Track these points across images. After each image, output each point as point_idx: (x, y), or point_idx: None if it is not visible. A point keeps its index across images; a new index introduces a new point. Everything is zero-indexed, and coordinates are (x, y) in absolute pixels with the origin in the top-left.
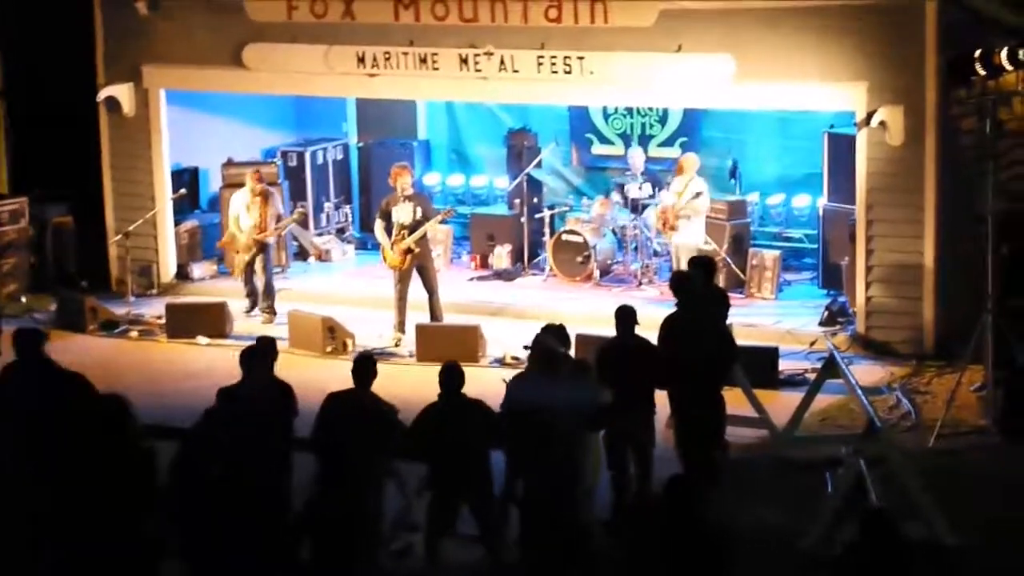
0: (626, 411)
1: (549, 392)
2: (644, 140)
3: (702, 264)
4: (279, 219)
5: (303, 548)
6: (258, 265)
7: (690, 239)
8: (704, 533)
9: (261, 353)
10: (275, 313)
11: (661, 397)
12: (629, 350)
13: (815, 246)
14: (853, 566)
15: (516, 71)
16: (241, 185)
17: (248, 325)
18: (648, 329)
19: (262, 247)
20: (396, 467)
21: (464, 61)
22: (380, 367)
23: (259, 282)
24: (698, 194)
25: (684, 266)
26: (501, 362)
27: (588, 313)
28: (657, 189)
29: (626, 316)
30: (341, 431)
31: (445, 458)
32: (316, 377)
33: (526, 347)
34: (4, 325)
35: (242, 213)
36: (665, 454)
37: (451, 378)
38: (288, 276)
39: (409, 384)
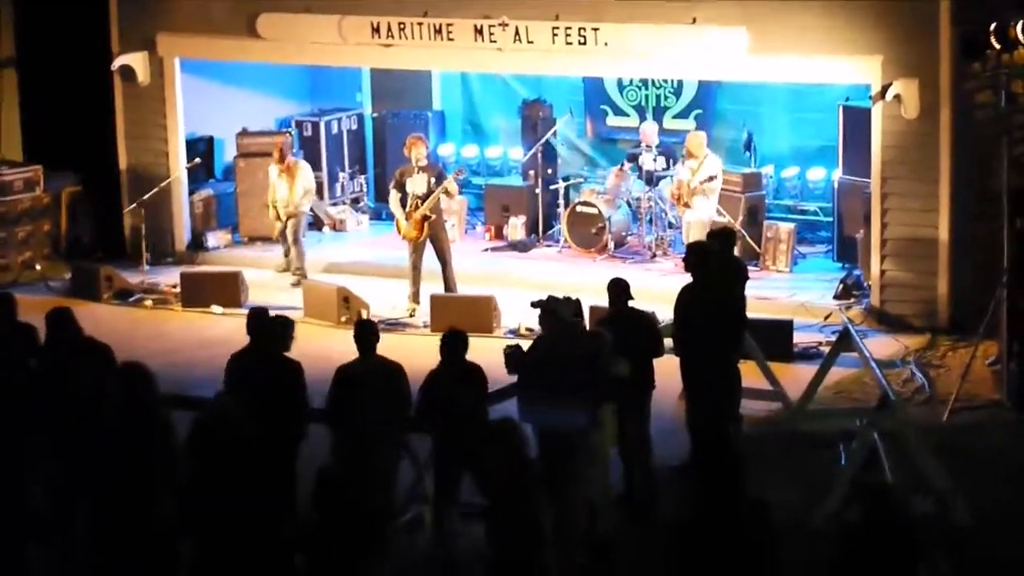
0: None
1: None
2: (659, 112)
3: (721, 236)
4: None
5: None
6: (289, 232)
7: (701, 215)
8: (748, 510)
9: (276, 333)
10: (305, 276)
11: (668, 371)
12: (623, 321)
13: (830, 219)
14: (855, 543)
15: (531, 42)
16: (255, 155)
17: (264, 294)
18: (661, 301)
19: (292, 215)
20: (408, 439)
21: (479, 32)
22: (395, 337)
23: (290, 245)
24: (711, 178)
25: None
26: (516, 332)
27: (602, 285)
28: (672, 162)
29: (619, 287)
30: (356, 400)
31: (445, 425)
32: (330, 346)
33: (534, 304)
34: (19, 292)
35: (276, 184)
36: (676, 428)
37: (452, 345)
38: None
39: (424, 354)
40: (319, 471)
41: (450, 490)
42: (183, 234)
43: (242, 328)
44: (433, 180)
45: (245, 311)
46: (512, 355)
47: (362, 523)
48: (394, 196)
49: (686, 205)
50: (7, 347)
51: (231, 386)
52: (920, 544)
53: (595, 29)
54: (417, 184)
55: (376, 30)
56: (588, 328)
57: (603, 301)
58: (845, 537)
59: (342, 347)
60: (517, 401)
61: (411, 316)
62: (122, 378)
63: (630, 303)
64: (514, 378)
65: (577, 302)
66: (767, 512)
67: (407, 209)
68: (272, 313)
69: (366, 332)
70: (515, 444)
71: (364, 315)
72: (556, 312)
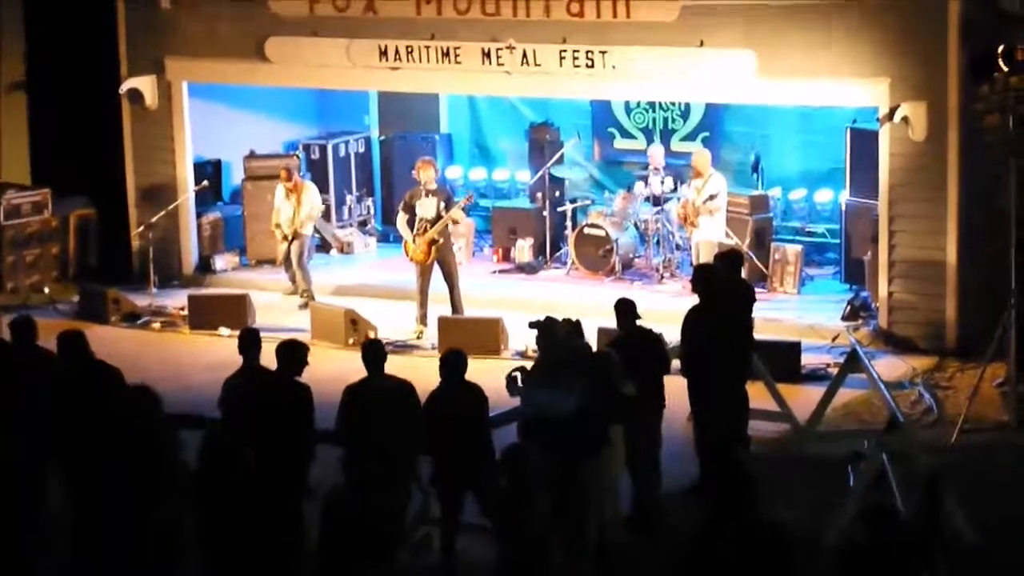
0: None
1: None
2: (666, 134)
3: (728, 258)
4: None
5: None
6: (293, 254)
7: (711, 235)
8: (764, 533)
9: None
10: (313, 299)
11: (675, 393)
12: (632, 341)
13: (837, 241)
14: (858, 561)
15: (538, 65)
16: (262, 177)
17: (271, 316)
18: (669, 323)
19: (296, 236)
20: (419, 458)
21: (486, 55)
22: (403, 359)
23: (295, 269)
24: (712, 196)
25: (705, 261)
26: (523, 354)
27: (610, 307)
28: (679, 183)
29: (626, 308)
30: (365, 418)
31: (446, 445)
32: (339, 368)
33: (532, 325)
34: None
35: (282, 206)
36: (685, 450)
37: (452, 364)
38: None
39: (432, 376)
40: (327, 494)
41: (454, 510)
42: (191, 257)
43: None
44: (442, 204)
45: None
46: (513, 379)
47: (373, 545)
48: (402, 218)
49: (692, 225)
50: (26, 370)
51: (230, 409)
52: (924, 562)
53: (603, 52)
54: (426, 208)
55: (384, 53)
56: (595, 349)
57: (611, 323)
58: (849, 556)
59: (350, 368)
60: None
61: (419, 338)
62: (130, 400)
63: (637, 322)
64: (516, 401)
65: (577, 323)
66: (781, 532)
67: (415, 232)
68: (285, 337)
69: (373, 351)
70: (520, 472)
71: (372, 336)
72: (552, 331)
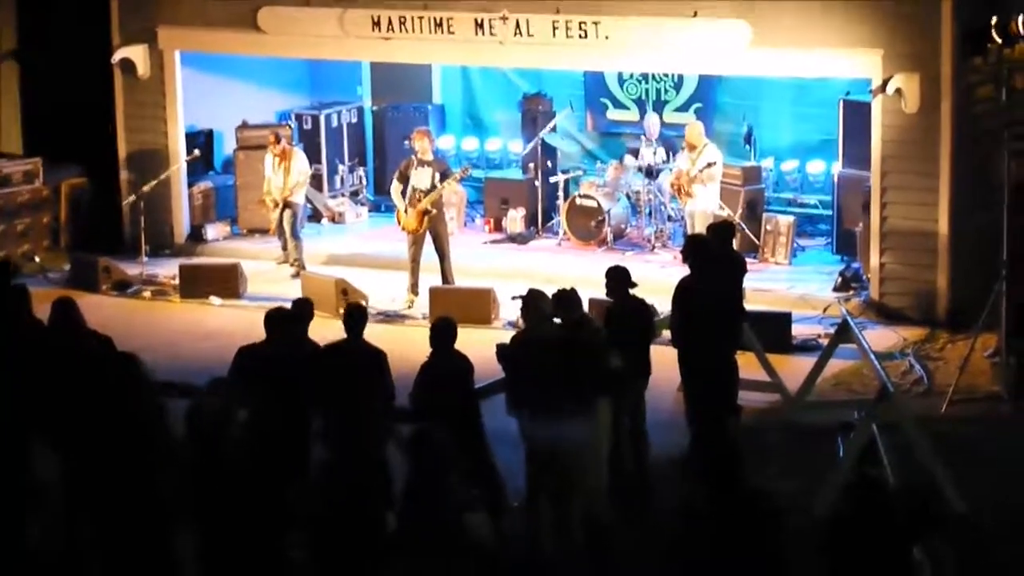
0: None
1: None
2: (659, 106)
3: (719, 229)
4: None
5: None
6: (286, 223)
7: (705, 205)
8: (754, 504)
9: (294, 317)
10: (304, 268)
11: (666, 363)
12: (626, 312)
13: (829, 212)
14: (846, 530)
15: (531, 35)
16: (254, 147)
17: (262, 286)
18: (660, 293)
19: (288, 204)
20: (394, 426)
21: (479, 25)
22: (393, 329)
23: (287, 238)
24: (710, 164)
25: (699, 231)
26: (514, 325)
27: (601, 277)
28: (672, 154)
29: (620, 276)
30: (336, 380)
31: (438, 413)
32: (330, 338)
33: (514, 297)
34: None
35: (272, 176)
36: (674, 420)
37: (443, 334)
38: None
39: (422, 346)
40: (317, 464)
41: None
42: (182, 226)
43: (240, 319)
44: (437, 175)
45: (244, 303)
46: (502, 351)
47: (361, 512)
48: (396, 187)
49: (687, 195)
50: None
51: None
52: (912, 532)
53: (596, 23)
54: (420, 178)
55: (376, 23)
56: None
57: (603, 293)
58: (838, 526)
59: (340, 337)
60: (506, 398)
61: (410, 308)
62: (117, 367)
63: (632, 291)
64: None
65: (573, 291)
66: (770, 503)
67: (407, 201)
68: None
69: (355, 315)
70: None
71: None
72: (537, 304)
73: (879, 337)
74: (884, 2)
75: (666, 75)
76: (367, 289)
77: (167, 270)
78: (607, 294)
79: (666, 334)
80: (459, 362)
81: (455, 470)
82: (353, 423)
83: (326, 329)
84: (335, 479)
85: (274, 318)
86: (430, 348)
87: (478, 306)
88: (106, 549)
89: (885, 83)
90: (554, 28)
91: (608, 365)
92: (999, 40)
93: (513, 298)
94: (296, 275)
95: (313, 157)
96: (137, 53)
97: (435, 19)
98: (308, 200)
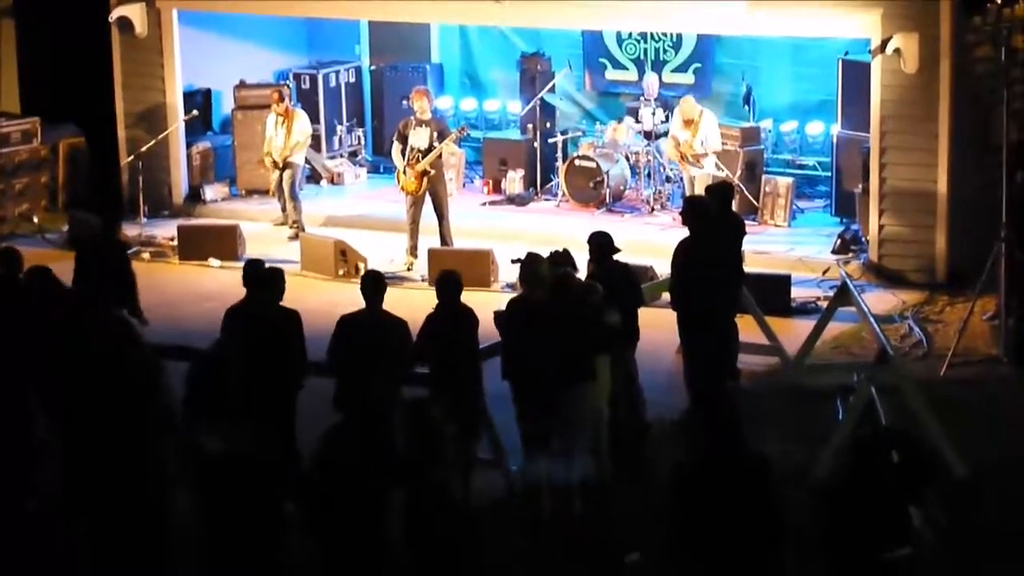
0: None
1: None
2: (657, 65)
3: (718, 191)
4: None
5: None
6: (285, 183)
7: (706, 169)
8: (749, 465)
9: (267, 283)
10: (303, 229)
11: (665, 325)
12: (612, 277)
13: (828, 174)
14: (844, 494)
15: None
16: (252, 107)
17: (262, 246)
18: (659, 256)
19: (287, 165)
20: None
21: None
22: (392, 291)
23: (286, 199)
24: (705, 141)
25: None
26: (512, 287)
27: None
28: (670, 115)
29: (603, 241)
30: (359, 351)
31: (443, 362)
32: (328, 299)
33: (514, 261)
34: (15, 244)
35: (273, 135)
36: (673, 382)
37: (449, 286)
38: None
39: (421, 307)
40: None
41: None
42: (180, 187)
43: (239, 281)
44: (435, 135)
45: (242, 264)
46: (498, 318)
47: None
48: (396, 147)
49: (696, 164)
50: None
51: (229, 337)
52: (909, 492)
53: None
54: (419, 138)
55: None
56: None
57: None
58: (836, 489)
59: (340, 299)
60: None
61: (409, 270)
62: (110, 328)
63: (615, 256)
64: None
65: (566, 252)
66: (767, 466)
67: (406, 161)
68: (267, 265)
69: (375, 282)
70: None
71: (363, 268)
72: (535, 267)
73: (878, 300)
74: None
75: (665, 35)
76: (366, 251)
77: (166, 231)
78: (589, 260)
79: (665, 296)
80: (464, 313)
81: (453, 427)
82: (374, 392)
83: (325, 291)
84: (346, 441)
85: (251, 275)
86: (436, 299)
87: (477, 268)
88: (101, 510)
89: (884, 43)
90: None
91: (605, 323)
92: (998, 0)
93: (513, 262)
94: (295, 236)
95: (311, 117)
96: (135, 11)
97: None
98: (307, 161)
